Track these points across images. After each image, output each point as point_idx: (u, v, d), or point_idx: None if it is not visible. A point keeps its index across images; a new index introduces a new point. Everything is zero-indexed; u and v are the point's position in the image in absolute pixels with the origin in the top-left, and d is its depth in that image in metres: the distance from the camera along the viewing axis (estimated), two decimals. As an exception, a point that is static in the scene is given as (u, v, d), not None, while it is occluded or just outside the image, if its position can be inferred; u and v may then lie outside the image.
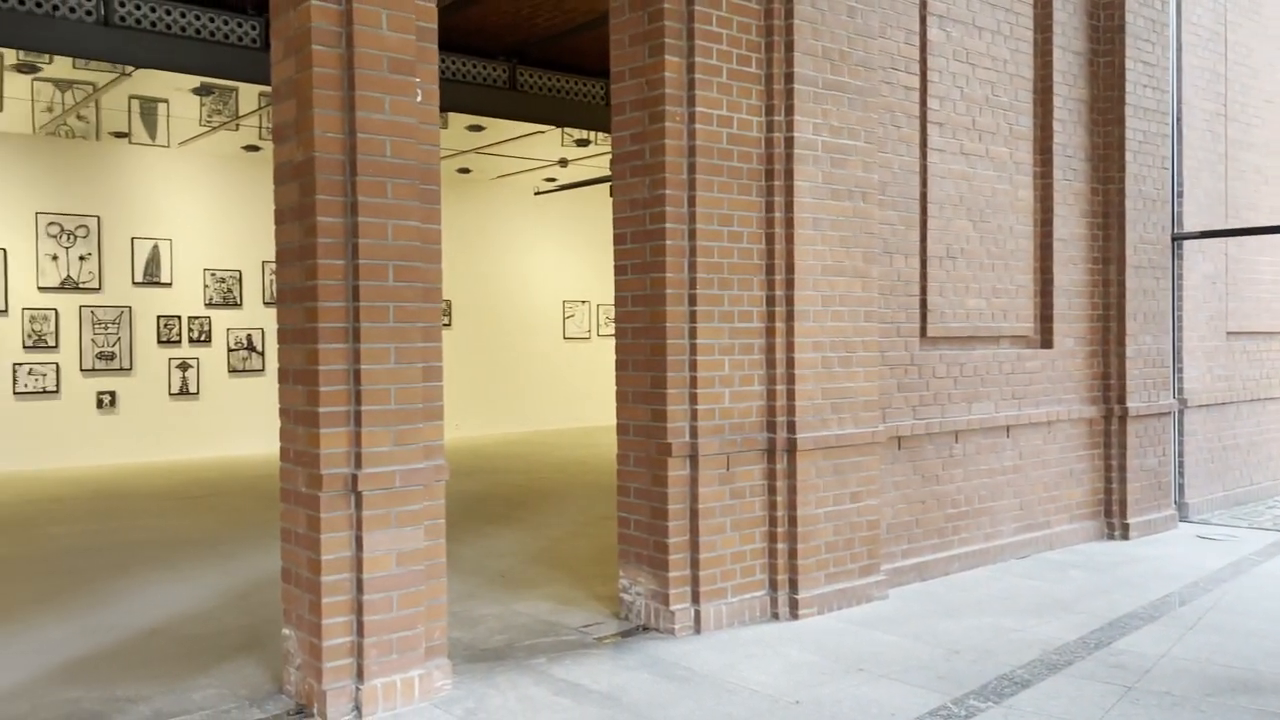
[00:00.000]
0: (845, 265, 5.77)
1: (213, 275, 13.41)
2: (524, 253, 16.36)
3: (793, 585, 5.54)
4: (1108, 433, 7.69)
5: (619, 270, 5.55)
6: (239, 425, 13.32)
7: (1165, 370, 8.06)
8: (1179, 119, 8.39)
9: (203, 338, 13.35)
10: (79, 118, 11.31)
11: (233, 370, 13.56)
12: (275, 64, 4.39)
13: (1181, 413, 8.42)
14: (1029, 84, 7.25)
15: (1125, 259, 7.64)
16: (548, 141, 12.57)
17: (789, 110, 5.51)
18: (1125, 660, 4.85)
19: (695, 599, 5.30)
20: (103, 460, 12.47)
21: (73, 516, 8.99)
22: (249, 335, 13.68)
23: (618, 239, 5.54)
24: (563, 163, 14.04)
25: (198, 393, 13.30)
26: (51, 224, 12.27)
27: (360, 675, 4.18)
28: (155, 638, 5.30)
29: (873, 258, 5.94)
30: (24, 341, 12.09)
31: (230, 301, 13.56)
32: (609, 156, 13.14)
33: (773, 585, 5.57)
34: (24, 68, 9.11)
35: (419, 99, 4.37)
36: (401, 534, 4.28)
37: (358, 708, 4.16)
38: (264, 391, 13.41)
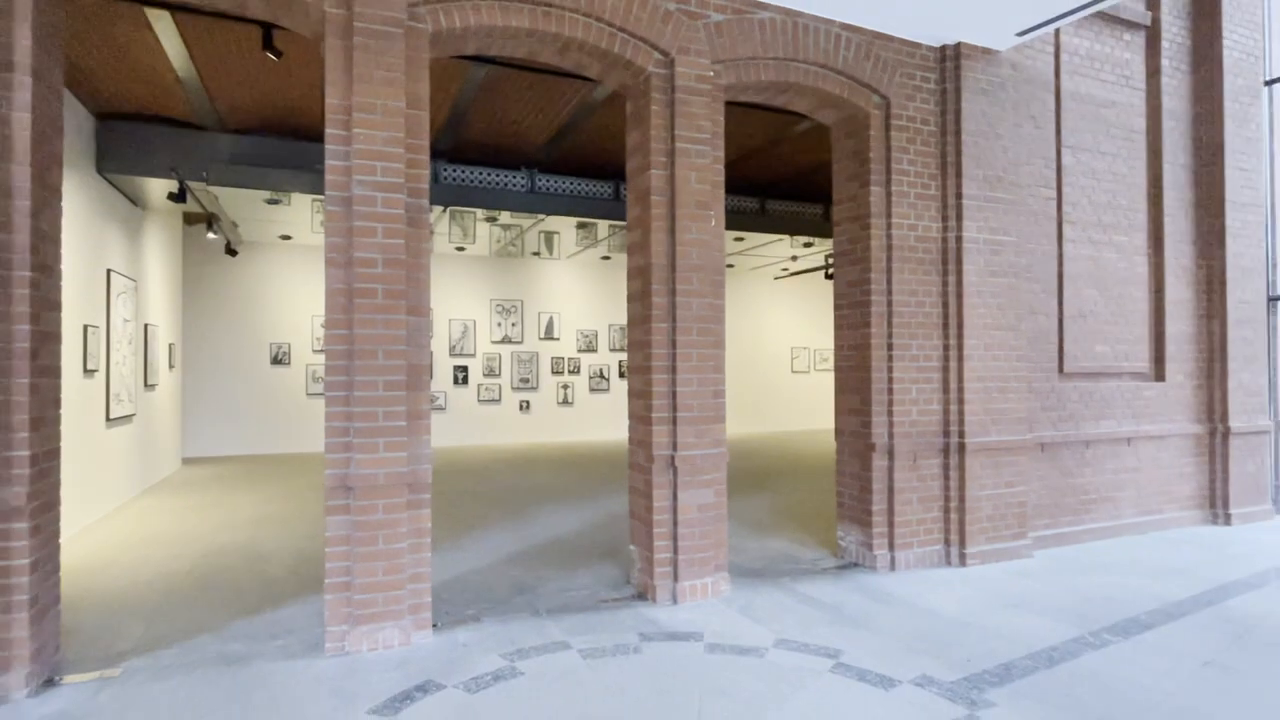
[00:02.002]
0: (1001, 322, 5.27)
1: (580, 333, 14.34)
2: (767, 316, 16.15)
3: (962, 543, 5.07)
4: (1212, 445, 6.45)
5: (838, 326, 5.35)
6: (595, 422, 14.09)
7: (1262, 399, 6.64)
8: (1273, 210, 6.96)
9: (575, 370, 14.26)
10: (512, 244, 12.56)
11: (591, 389, 14.38)
12: (629, 208, 4.66)
13: (1277, 432, 6.91)
14: (1143, 190, 6.29)
15: (1227, 315, 6.40)
16: (784, 244, 12.40)
17: (959, 218, 5.13)
18: (1235, 615, 4.04)
19: (891, 547, 4.99)
20: (521, 440, 13.60)
21: (507, 470, 9.87)
22: (601, 369, 14.46)
23: (837, 306, 5.35)
24: (794, 259, 13.79)
25: (573, 402, 14.22)
26: (498, 305, 13.65)
27: (676, 578, 4.28)
28: (554, 545, 5.67)
29: (1022, 317, 5.37)
30: (483, 371, 13.51)
31: (590, 348, 14.39)
32: (827, 253, 12.83)
33: (947, 542, 5.12)
34: (489, 218, 10.28)
35: (713, 224, 4.48)
36: (701, 494, 4.35)
37: (674, 597, 4.26)
38: (609, 403, 14.14)
